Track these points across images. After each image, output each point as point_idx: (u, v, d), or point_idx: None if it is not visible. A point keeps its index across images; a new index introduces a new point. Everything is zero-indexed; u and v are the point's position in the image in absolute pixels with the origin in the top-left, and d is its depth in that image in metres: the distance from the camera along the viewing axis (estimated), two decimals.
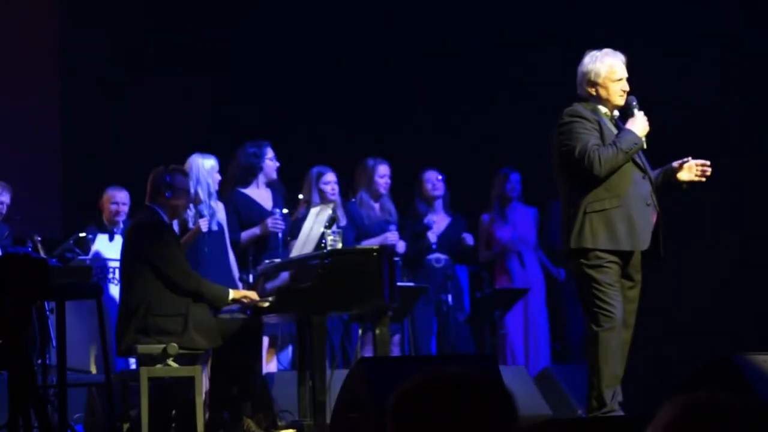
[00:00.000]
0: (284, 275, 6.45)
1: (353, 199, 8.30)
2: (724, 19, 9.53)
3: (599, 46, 5.69)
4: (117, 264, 7.80)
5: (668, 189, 5.77)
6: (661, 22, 9.66)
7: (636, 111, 5.61)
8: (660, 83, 8.85)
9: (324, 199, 7.78)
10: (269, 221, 7.59)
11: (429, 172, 8.72)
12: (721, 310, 9.29)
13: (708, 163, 5.71)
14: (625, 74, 5.64)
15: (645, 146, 5.61)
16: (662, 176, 5.77)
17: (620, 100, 5.63)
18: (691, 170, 5.70)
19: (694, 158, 5.71)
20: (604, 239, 5.48)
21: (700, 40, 9.53)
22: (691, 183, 5.72)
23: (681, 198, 8.97)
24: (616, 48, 5.69)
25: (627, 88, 5.64)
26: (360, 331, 7.77)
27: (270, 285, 6.54)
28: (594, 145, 5.48)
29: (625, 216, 5.50)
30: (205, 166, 7.46)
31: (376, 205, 8.32)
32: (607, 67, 5.62)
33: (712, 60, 9.54)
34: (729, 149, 9.41)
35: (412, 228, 8.61)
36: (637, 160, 5.59)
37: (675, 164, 5.72)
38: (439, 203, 8.72)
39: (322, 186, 7.90)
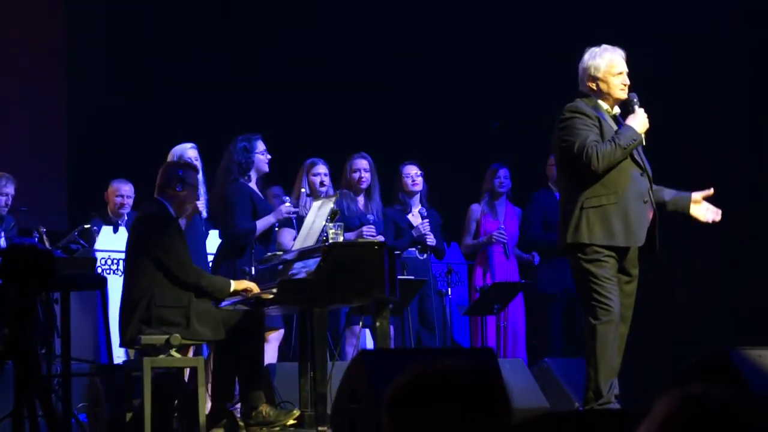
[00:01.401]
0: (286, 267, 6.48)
1: (339, 192, 8.29)
2: (727, 19, 9.56)
3: (590, 45, 5.76)
4: (120, 256, 7.87)
5: (674, 210, 5.85)
6: (669, 22, 9.69)
7: (637, 107, 5.65)
8: (664, 82, 8.89)
9: (314, 191, 7.83)
10: (283, 208, 7.57)
11: (408, 166, 8.55)
12: (720, 304, 9.32)
13: (720, 213, 5.81)
14: (624, 68, 5.69)
15: (644, 143, 5.67)
16: (675, 200, 5.83)
17: (621, 94, 5.68)
18: (706, 212, 5.81)
19: (706, 185, 5.80)
20: (600, 234, 5.53)
21: (709, 40, 9.56)
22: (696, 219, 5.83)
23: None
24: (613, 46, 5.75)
25: (627, 82, 5.69)
26: (361, 325, 7.79)
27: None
28: (593, 141, 5.52)
29: (621, 212, 5.55)
30: (190, 155, 7.54)
31: (360, 199, 8.25)
32: (607, 62, 5.67)
33: (718, 59, 9.57)
34: (731, 148, 9.45)
35: (395, 220, 8.49)
36: (636, 157, 5.63)
37: (695, 195, 5.80)
38: (416, 198, 8.57)
39: (312, 177, 7.93)
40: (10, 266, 4.39)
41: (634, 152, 5.63)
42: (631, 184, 5.59)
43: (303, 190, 7.90)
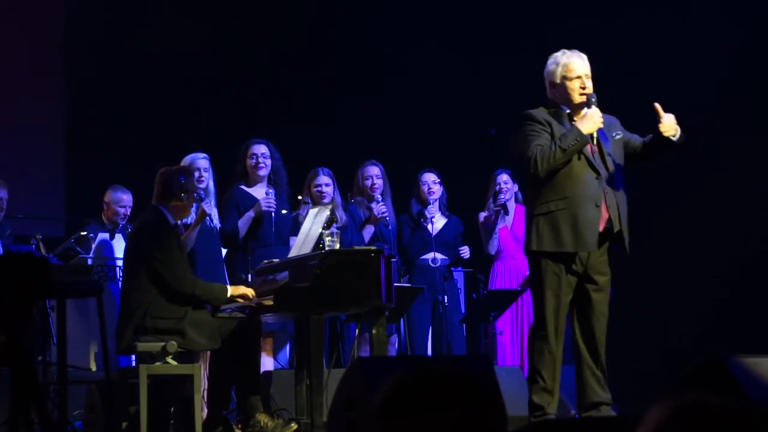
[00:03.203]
0: (283, 275, 6.49)
1: (352, 200, 8.34)
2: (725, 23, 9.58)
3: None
4: (117, 263, 7.87)
5: (666, 149, 5.63)
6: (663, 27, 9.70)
7: (593, 108, 5.51)
8: (664, 82, 8.89)
9: (315, 200, 7.85)
10: (262, 200, 7.62)
11: (426, 173, 8.59)
12: (717, 311, 9.32)
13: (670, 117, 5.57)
14: (583, 71, 5.58)
15: (595, 142, 5.52)
16: (653, 142, 5.65)
17: (579, 98, 5.56)
18: (665, 124, 5.56)
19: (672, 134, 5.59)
20: (548, 241, 5.48)
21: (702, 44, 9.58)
22: (676, 140, 5.55)
23: (681, 198, 9.06)
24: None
25: (587, 85, 5.57)
26: (357, 331, 7.79)
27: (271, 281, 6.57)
28: (536, 145, 5.46)
29: (570, 218, 5.46)
30: (200, 165, 7.59)
31: (374, 206, 8.29)
32: (562, 67, 5.59)
33: (713, 61, 9.58)
34: (728, 154, 9.45)
35: (409, 225, 8.54)
36: (592, 160, 5.53)
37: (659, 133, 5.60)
38: (435, 204, 8.59)
39: (313, 189, 7.97)
40: (5, 273, 4.38)
41: (591, 156, 5.53)
42: (582, 188, 5.49)
43: (299, 198, 7.93)
